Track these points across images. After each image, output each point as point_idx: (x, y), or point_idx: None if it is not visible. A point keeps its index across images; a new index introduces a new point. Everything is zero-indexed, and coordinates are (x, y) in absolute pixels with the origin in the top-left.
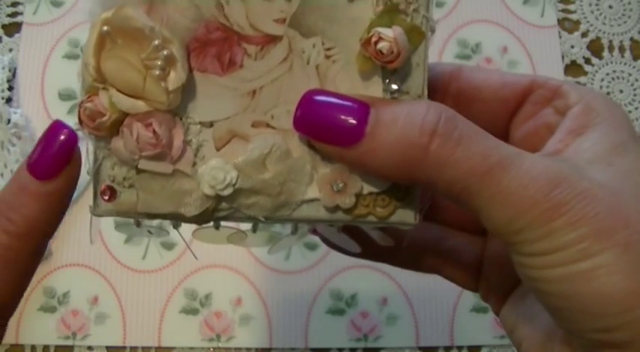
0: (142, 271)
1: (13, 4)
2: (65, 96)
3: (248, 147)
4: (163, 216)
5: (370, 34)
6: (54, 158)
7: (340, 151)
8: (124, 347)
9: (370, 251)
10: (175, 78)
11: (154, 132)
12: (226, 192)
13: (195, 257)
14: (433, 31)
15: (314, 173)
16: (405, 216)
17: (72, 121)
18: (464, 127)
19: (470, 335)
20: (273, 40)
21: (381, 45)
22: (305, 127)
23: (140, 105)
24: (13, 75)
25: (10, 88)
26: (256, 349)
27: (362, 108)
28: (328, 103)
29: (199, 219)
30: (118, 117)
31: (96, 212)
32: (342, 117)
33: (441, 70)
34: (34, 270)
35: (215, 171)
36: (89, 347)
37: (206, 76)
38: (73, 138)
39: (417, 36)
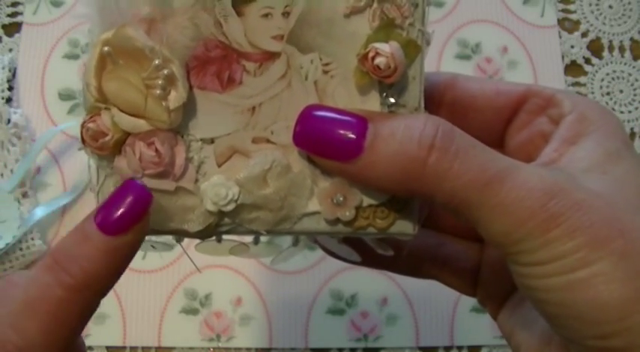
0: (142, 271)
1: (13, 4)
2: (65, 96)
3: (249, 164)
4: (167, 232)
5: (367, 50)
6: (127, 216)
7: (339, 166)
8: (124, 347)
9: (370, 259)
10: (176, 97)
11: (157, 150)
12: (229, 208)
13: (199, 270)
14: (429, 43)
15: (314, 187)
16: (405, 227)
17: (72, 121)
18: (461, 140)
19: (470, 335)
20: (271, 56)
21: (379, 60)
22: (304, 143)
23: (142, 125)
24: (13, 75)
25: (10, 88)
26: (256, 349)
27: (360, 122)
28: (327, 118)
29: (202, 235)
30: (121, 136)
31: None
32: (341, 132)
33: (436, 80)
34: (82, 328)
35: (217, 188)
36: (89, 347)
37: (206, 93)
38: (146, 197)
39: (413, 50)
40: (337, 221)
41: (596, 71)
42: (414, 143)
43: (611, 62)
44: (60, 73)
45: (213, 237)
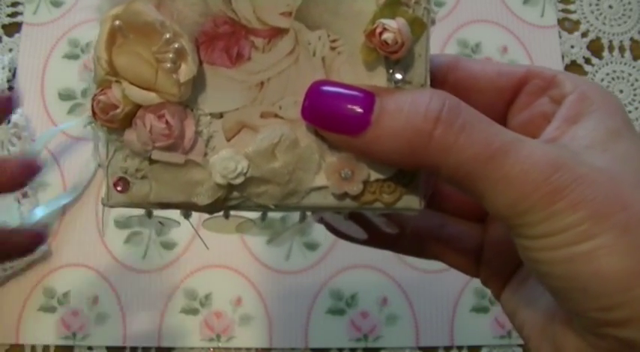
0: (142, 271)
1: (13, 4)
2: (65, 96)
3: (257, 138)
4: (176, 206)
5: (375, 26)
6: None
7: (347, 140)
8: (124, 347)
9: (375, 238)
10: (186, 70)
11: (167, 122)
12: (238, 181)
13: (207, 246)
14: (433, 22)
15: (322, 161)
16: (411, 202)
17: (72, 121)
18: (467, 114)
19: (470, 335)
20: (279, 32)
21: (386, 36)
22: (312, 117)
23: (152, 97)
24: (13, 75)
25: (10, 88)
26: (256, 349)
27: (367, 97)
28: (335, 93)
29: (211, 208)
30: (131, 109)
31: (109, 203)
32: (349, 106)
33: (438, 61)
34: None
35: (226, 161)
36: (89, 347)
37: (215, 68)
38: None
39: (419, 27)
40: (344, 195)
41: (596, 71)
42: (420, 116)
43: (611, 62)
44: (60, 73)
45: (221, 213)
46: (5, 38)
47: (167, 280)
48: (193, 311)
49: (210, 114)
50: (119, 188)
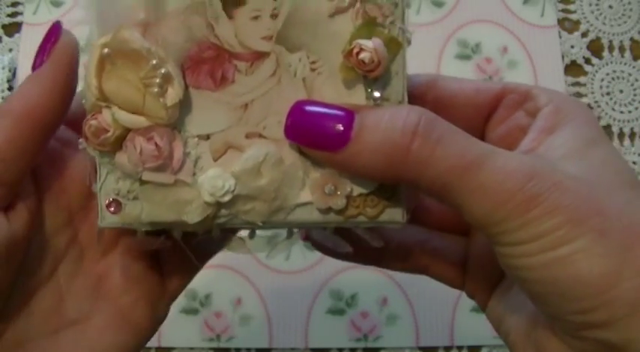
0: None
1: (13, 4)
2: None
3: (243, 157)
4: (167, 224)
5: (352, 46)
6: (43, 47)
7: (329, 156)
8: None
9: (360, 254)
10: (173, 94)
11: (156, 144)
12: (225, 199)
13: (198, 265)
14: (409, 42)
15: (306, 178)
16: (394, 215)
17: None
18: (442, 128)
19: (470, 335)
20: (261, 56)
21: (363, 55)
22: (295, 135)
23: (141, 121)
24: (13, 75)
25: (10, 88)
26: (256, 349)
27: (347, 114)
28: (316, 111)
29: (200, 226)
30: (121, 132)
31: (102, 223)
32: (329, 123)
33: (418, 80)
34: (31, 159)
35: (214, 180)
36: None
37: (200, 92)
38: (57, 28)
39: (395, 46)
40: (329, 210)
41: (596, 71)
42: (398, 131)
43: (611, 62)
44: None
45: (211, 233)
46: (5, 38)
47: None
48: (193, 311)
49: (198, 136)
50: (112, 209)
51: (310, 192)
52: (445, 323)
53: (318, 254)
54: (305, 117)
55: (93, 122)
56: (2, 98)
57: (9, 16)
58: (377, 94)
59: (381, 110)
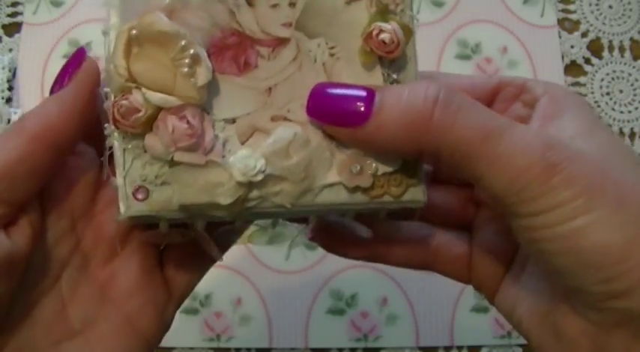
0: None
1: (13, 4)
2: None
3: (271, 138)
4: (198, 208)
5: (371, 28)
6: (66, 70)
7: (352, 132)
8: None
9: (366, 254)
10: (203, 74)
11: (188, 122)
12: (257, 178)
13: (221, 258)
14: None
15: (332, 159)
16: (416, 194)
17: None
18: (462, 99)
19: (470, 335)
20: (282, 42)
21: (383, 36)
22: (318, 113)
23: (173, 100)
24: (13, 75)
25: (10, 88)
26: (256, 349)
27: (368, 91)
28: (337, 90)
29: (231, 209)
30: (153, 112)
31: (128, 212)
32: (351, 100)
33: None
34: (40, 180)
35: (246, 160)
36: None
37: (225, 77)
38: (81, 52)
39: (407, 32)
40: (356, 189)
41: (596, 71)
42: (419, 101)
43: (611, 62)
44: None
45: (234, 222)
46: (5, 38)
47: None
48: (193, 311)
49: (224, 119)
50: (140, 196)
51: (337, 172)
52: (445, 323)
53: (318, 254)
54: (327, 96)
55: (124, 102)
56: (2, 98)
57: (9, 16)
58: (395, 76)
59: (400, 86)
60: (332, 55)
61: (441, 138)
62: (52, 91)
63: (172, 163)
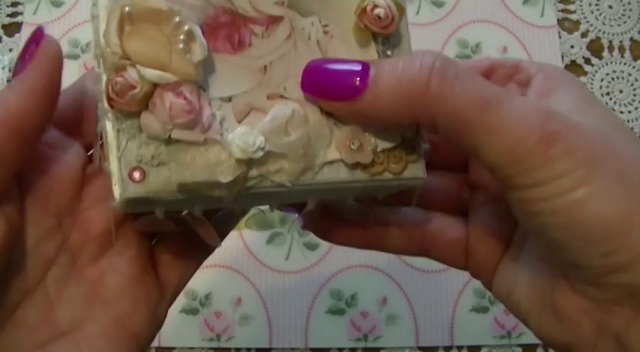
0: None
1: (13, 4)
2: None
3: (269, 115)
4: (196, 187)
5: (365, 4)
6: (23, 52)
7: (349, 105)
8: None
9: (363, 241)
10: (198, 50)
11: (186, 98)
12: (257, 155)
13: (219, 244)
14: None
15: (331, 136)
16: (416, 170)
17: None
18: (459, 67)
19: (470, 335)
20: (275, 20)
21: (378, 11)
22: (314, 89)
23: (169, 76)
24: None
25: None
26: (256, 349)
27: (363, 63)
28: (333, 65)
29: (232, 188)
30: (148, 89)
31: (125, 195)
32: (347, 73)
33: None
34: (21, 160)
35: (245, 136)
36: None
37: (219, 55)
38: (39, 30)
39: (400, 9)
40: (356, 165)
41: (596, 71)
42: (416, 69)
43: (611, 62)
44: None
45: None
46: (5, 38)
47: None
48: (193, 311)
49: (220, 98)
50: (136, 177)
51: (336, 148)
52: (445, 323)
53: (318, 254)
54: (322, 71)
55: (119, 79)
56: None
57: (9, 16)
58: (389, 53)
59: (395, 58)
60: (326, 32)
61: (437, 107)
62: (14, 74)
63: (169, 142)
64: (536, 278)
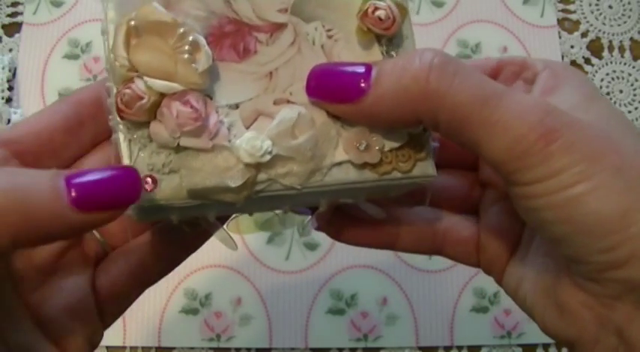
0: None
1: (13, 4)
2: (65, 96)
3: (276, 119)
4: (207, 192)
5: (367, 6)
6: (109, 198)
7: (353, 107)
8: (124, 347)
9: (376, 235)
10: (204, 60)
11: (192, 106)
12: (265, 159)
13: (236, 246)
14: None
15: (338, 137)
16: (426, 168)
17: None
18: (458, 63)
19: (470, 335)
20: (279, 27)
21: (379, 12)
22: (318, 93)
23: (175, 86)
24: (13, 75)
25: (10, 88)
26: (256, 349)
27: (365, 65)
28: (336, 68)
29: (242, 192)
30: (156, 99)
31: (139, 203)
32: (350, 75)
33: None
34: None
35: (252, 141)
36: None
37: (225, 64)
38: (136, 182)
39: (402, 10)
40: (365, 165)
41: (596, 71)
42: (415, 65)
43: (611, 62)
44: (60, 73)
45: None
46: (5, 38)
47: (167, 280)
48: (193, 311)
49: (227, 105)
50: (149, 186)
51: (344, 150)
52: (445, 323)
53: (318, 254)
54: (326, 74)
55: (126, 91)
56: (2, 98)
57: (9, 16)
58: (393, 54)
59: (396, 57)
60: (330, 37)
61: (438, 103)
62: (77, 195)
63: (179, 150)
64: (541, 273)
